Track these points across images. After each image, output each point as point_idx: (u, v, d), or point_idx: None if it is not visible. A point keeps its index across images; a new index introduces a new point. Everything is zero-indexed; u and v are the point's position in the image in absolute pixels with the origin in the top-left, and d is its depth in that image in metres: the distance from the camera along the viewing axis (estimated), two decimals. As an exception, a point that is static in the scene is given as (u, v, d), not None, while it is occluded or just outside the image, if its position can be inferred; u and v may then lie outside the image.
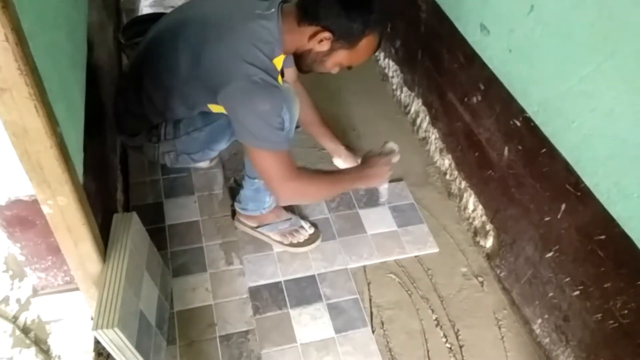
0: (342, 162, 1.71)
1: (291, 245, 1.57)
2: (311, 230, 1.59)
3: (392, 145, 1.46)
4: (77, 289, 1.10)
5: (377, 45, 1.23)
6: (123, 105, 1.40)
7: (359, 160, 1.54)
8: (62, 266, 1.08)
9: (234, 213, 1.63)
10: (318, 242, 1.60)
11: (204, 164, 1.73)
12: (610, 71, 1.05)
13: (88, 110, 1.14)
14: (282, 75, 1.33)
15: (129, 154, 1.77)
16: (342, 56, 1.21)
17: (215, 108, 1.26)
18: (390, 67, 2.22)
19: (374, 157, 1.41)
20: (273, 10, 1.17)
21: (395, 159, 1.44)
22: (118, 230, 1.12)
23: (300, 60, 1.25)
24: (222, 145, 1.42)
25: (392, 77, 2.22)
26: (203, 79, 1.18)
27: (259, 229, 1.58)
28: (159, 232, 1.56)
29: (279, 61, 1.21)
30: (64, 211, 0.89)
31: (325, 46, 1.18)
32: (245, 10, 1.18)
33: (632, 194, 1.03)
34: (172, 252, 1.52)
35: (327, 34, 1.15)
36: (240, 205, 1.55)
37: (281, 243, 1.57)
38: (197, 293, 1.43)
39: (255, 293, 1.47)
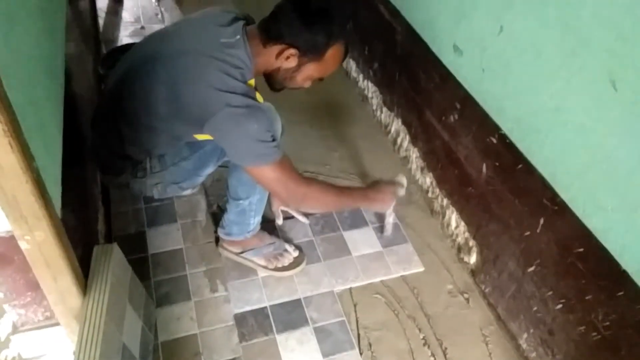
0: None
1: (276, 269, 1.56)
2: (295, 254, 1.59)
3: (402, 178, 1.51)
4: (58, 324, 1.08)
5: (345, 53, 1.25)
6: (103, 147, 1.38)
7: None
8: (41, 302, 1.06)
9: (217, 240, 1.62)
10: (303, 265, 1.59)
11: (188, 191, 1.72)
12: (579, 86, 1.08)
13: (67, 143, 1.14)
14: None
15: (111, 184, 1.76)
16: (311, 69, 1.22)
17: (202, 137, 1.26)
18: (370, 88, 2.26)
19: (383, 183, 1.46)
20: (238, 37, 1.17)
21: (402, 191, 1.49)
22: (98, 262, 1.10)
23: (270, 79, 1.27)
24: (210, 169, 1.43)
25: (372, 98, 2.25)
26: (185, 116, 1.18)
27: (242, 254, 1.57)
28: (142, 262, 1.54)
29: (251, 83, 1.22)
30: (42, 246, 0.88)
31: (292, 62, 1.20)
32: (209, 41, 1.18)
33: (607, 206, 1.06)
34: (155, 281, 1.50)
35: (292, 50, 1.17)
36: (224, 231, 1.55)
37: (266, 267, 1.56)
38: (181, 322, 1.41)
39: (241, 320, 1.45)
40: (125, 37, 2.56)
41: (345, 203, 1.40)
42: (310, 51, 1.18)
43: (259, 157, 1.17)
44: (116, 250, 1.14)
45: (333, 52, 1.20)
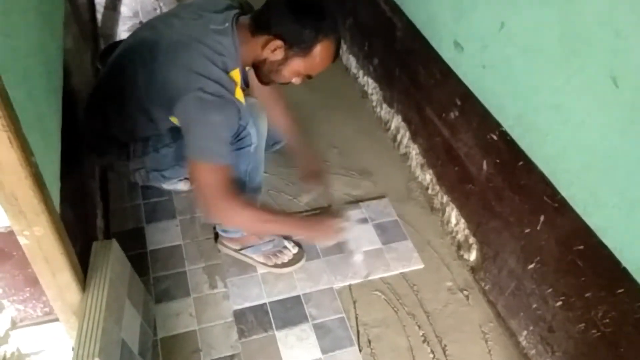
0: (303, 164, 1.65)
1: (275, 266, 1.56)
2: (295, 250, 1.59)
3: (351, 213, 1.45)
4: (56, 319, 1.08)
5: (335, 53, 1.21)
6: (92, 127, 1.40)
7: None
8: (40, 297, 1.06)
9: (217, 236, 1.62)
10: (302, 262, 1.59)
11: (184, 187, 1.72)
12: (580, 84, 1.08)
13: (65, 138, 1.14)
14: (247, 86, 1.32)
15: (109, 179, 1.76)
16: (297, 64, 1.20)
17: (173, 119, 1.25)
18: (370, 84, 2.25)
19: (328, 215, 1.39)
20: (227, 24, 1.17)
21: (348, 226, 1.38)
22: (97, 258, 1.10)
23: (258, 71, 1.25)
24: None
25: (372, 94, 2.24)
26: (159, 96, 1.18)
27: (242, 252, 1.57)
28: (140, 258, 1.54)
29: (235, 74, 1.20)
30: (41, 242, 0.88)
31: (279, 55, 1.17)
32: (200, 27, 1.18)
33: (607, 203, 1.05)
34: (154, 277, 1.50)
35: (279, 42, 1.15)
36: (222, 228, 1.55)
37: (265, 264, 1.56)
38: (180, 319, 1.41)
39: (240, 316, 1.45)
40: (123, 31, 2.55)
41: (275, 231, 1.35)
42: (297, 45, 1.16)
43: (204, 151, 1.14)
44: (115, 246, 1.13)
45: (322, 49, 1.18)
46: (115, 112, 1.31)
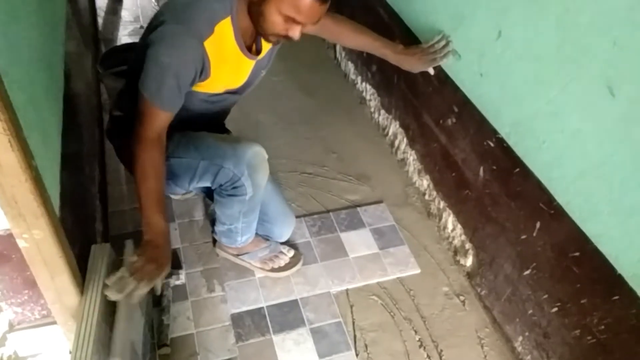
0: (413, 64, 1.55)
1: (272, 270, 1.56)
2: (291, 254, 1.60)
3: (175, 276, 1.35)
4: (54, 322, 1.09)
5: None
6: (117, 115, 1.40)
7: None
8: (38, 300, 1.06)
9: (214, 240, 1.62)
10: (299, 265, 1.60)
11: (175, 196, 1.72)
12: (576, 93, 1.09)
13: (65, 142, 1.14)
14: (259, 52, 1.30)
15: (109, 183, 1.77)
16: (278, 2, 1.08)
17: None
18: (368, 90, 2.26)
19: (163, 269, 1.11)
20: None
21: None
22: (96, 261, 1.11)
23: (253, 22, 1.18)
24: (184, 184, 1.39)
25: (370, 100, 2.26)
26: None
27: (240, 257, 1.58)
28: (139, 261, 1.54)
29: (225, 24, 1.16)
30: (40, 245, 0.88)
31: None
32: None
33: (602, 211, 1.06)
34: (152, 281, 1.50)
35: None
36: (217, 237, 1.56)
37: (262, 269, 1.57)
38: (178, 322, 1.42)
39: (237, 320, 1.46)
40: (124, 36, 2.56)
41: (141, 202, 1.16)
42: None
43: (145, 88, 1.14)
44: (109, 251, 1.14)
45: None
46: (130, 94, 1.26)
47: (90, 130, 1.69)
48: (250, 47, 1.28)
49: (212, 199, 1.47)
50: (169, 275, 1.47)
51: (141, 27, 2.63)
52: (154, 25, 1.16)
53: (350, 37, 1.55)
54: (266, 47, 1.32)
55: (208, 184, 1.36)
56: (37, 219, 0.84)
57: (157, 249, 1.12)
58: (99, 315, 1.01)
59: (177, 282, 1.47)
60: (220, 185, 1.34)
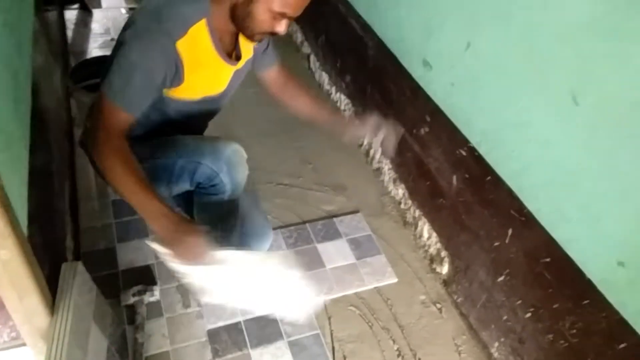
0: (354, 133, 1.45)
1: None
2: None
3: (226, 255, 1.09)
4: (24, 344, 1.05)
5: None
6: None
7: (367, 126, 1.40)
8: (7, 322, 1.03)
9: None
10: None
11: None
12: (543, 103, 1.12)
13: (33, 158, 1.12)
14: (238, 59, 1.28)
15: (80, 198, 1.73)
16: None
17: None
18: (342, 100, 2.28)
19: (199, 237, 1.04)
20: None
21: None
22: (66, 280, 1.08)
23: (236, 25, 1.15)
24: (162, 189, 1.34)
25: (345, 110, 2.27)
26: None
27: None
28: (112, 278, 1.51)
29: (200, 27, 1.13)
30: (7, 265, 0.86)
31: None
32: None
33: (571, 218, 1.09)
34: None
35: None
36: None
37: None
38: (153, 340, 1.39)
39: (214, 335, 1.44)
40: (94, 48, 2.52)
41: (130, 201, 1.08)
42: None
43: (110, 86, 1.08)
44: (80, 269, 1.11)
45: None
46: None
47: (60, 146, 1.66)
48: (230, 54, 1.26)
49: (191, 214, 1.44)
50: (144, 292, 1.45)
51: (112, 39, 2.60)
52: (125, 28, 1.14)
53: (304, 100, 1.50)
54: (246, 53, 1.30)
55: (187, 185, 1.33)
56: (4, 239, 0.82)
57: (177, 234, 1.03)
58: (70, 336, 0.99)
59: (152, 299, 1.45)
60: (199, 184, 1.31)
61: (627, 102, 0.92)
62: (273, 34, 1.14)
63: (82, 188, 1.78)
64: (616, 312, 1.01)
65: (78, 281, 1.11)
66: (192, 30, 1.12)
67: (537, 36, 1.10)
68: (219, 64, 1.23)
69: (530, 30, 1.12)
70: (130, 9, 2.89)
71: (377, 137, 1.38)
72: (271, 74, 1.46)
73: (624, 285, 1.00)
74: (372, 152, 2.07)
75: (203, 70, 1.20)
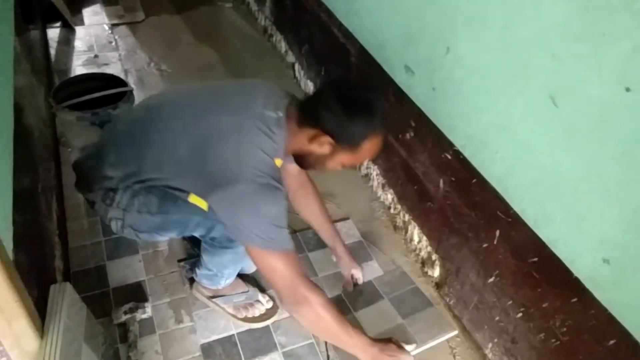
0: (341, 264, 1.61)
1: (245, 319, 1.50)
2: (269, 305, 1.54)
3: (410, 349, 1.35)
4: (14, 369, 1.05)
5: (380, 145, 1.17)
6: (91, 165, 1.29)
7: (357, 273, 1.57)
8: (-4, 347, 1.02)
9: (191, 281, 1.57)
10: (275, 318, 1.53)
11: (161, 239, 1.66)
12: (522, 105, 1.13)
13: (18, 179, 1.12)
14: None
15: (68, 218, 1.72)
16: (344, 158, 1.16)
17: (195, 200, 1.17)
18: (328, 108, 2.28)
19: (394, 346, 1.27)
20: (281, 114, 1.13)
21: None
22: (55, 302, 1.08)
23: (301, 160, 1.22)
24: (171, 235, 1.35)
25: (331, 118, 2.28)
26: (202, 173, 1.10)
27: (213, 299, 1.52)
28: (103, 297, 1.50)
29: (279, 161, 1.16)
30: (-6, 291, 0.85)
31: (326, 149, 1.13)
32: (252, 106, 1.13)
33: (556, 217, 1.10)
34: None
35: (328, 138, 1.10)
36: (197, 277, 1.51)
37: (234, 316, 1.51)
38: (146, 357, 1.38)
39: (207, 350, 1.43)
40: (78, 66, 2.52)
41: (340, 340, 1.22)
42: (347, 141, 1.12)
43: (268, 242, 1.08)
44: (69, 290, 1.11)
45: (369, 145, 1.13)
46: (126, 155, 1.21)
47: (46, 165, 1.65)
48: None
49: (192, 241, 1.43)
50: (135, 309, 1.44)
51: (95, 56, 2.60)
52: (214, 185, 1.08)
53: (313, 200, 1.55)
54: None
55: (200, 234, 1.32)
56: (-11, 265, 0.82)
57: (382, 355, 1.22)
58: (61, 358, 0.98)
59: (144, 316, 1.44)
60: (213, 239, 1.31)
61: (602, 103, 0.94)
62: None
63: (70, 207, 1.77)
64: (604, 309, 1.02)
65: (67, 302, 1.10)
66: (277, 162, 1.14)
67: (514, 39, 1.12)
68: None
69: (506, 33, 1.14)
70: (114, 24, 2.89)
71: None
72: (291, 169, 1.46)
73: (610, 283, 1.01)
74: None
75: None
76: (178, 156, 1.13)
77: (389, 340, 1.29)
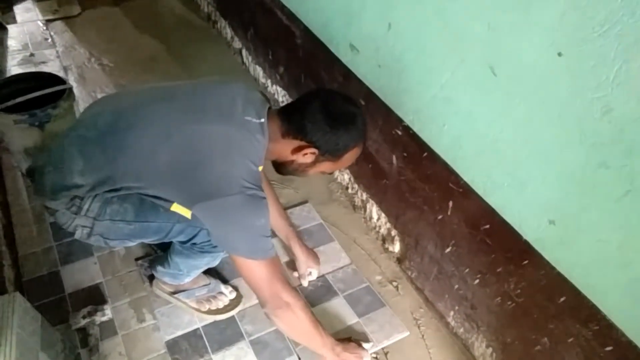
0: (298, 264, 1.63)
1: (209, 312, 1.49)
2: (232, 296, 1.53)
3: (368, 347, 1.44)
4: (-34, 387, 1.01)
5: (360, 153, 1.21)
6: (55, 167, 1.18)
7: (314, 272, 1.61)
8: (-56, 367, 0.98)
9: (151, 278, 1.53)
10: (239, 308, 1.52)
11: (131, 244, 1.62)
12: (463, 77, 1.15)
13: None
14: None
15: (15, 224, 1.65)
16: (325, 167, 1.19)
17: (178, 209, 1.14)
18: (279, 92, 2.26)
19: (353, 345, 1.39)
20: (263, 120, 1.11)
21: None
22: (4, 314, 1.04)
23: (281, 167, 1.22)
24: (149, 241, 1.33)
25: (282, 101, 2.26)
26: (187, 184, 1.07)
27: (175, 295, 1.50)
28: (59, 303, 1.46)
29: (260, 167, 1.15)
30: None
31: (309, 159, 1.15)
32: (234, 112, 1.10)
33: (503, 184, 1.13)
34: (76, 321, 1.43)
35: (312, 149, 1.12)
36: (157, 274, 1.47)
37: (198, 310, 1.49)
38: (109, 359, 1.36)
39: (173, 346, 1.42)
40: (14, 66, 2.40)
41: (313, 341, 1.28)
42: (331, 152, 1.14)
43: (253, 252, 1.09)
44: (19, 300, 1.07)
45: (351, 154, 1.17)
46: (97, 162, 1.13)
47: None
48: None
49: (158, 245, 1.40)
50: (94, 312, 1.41)
51: (31, 54, 2.48)
52: (199, 195, 1.06)
53: (273, 207, 1.57)
54: None
55: (177, 241, 1.30)
56: None
57: (340, 350, 1.32)
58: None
59: (104, 319, 1.41)
60: (194, 244, 1.29)
61: (536, 68, 0.96)
62: None
63: (16, 213, 1.70)
64: (553, 268, 1.06)
65: (18, 312, 1.07)
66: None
67: (449, 12, 1.13)
68: None
69: (442, 7, 1.14)
70: (48, 20, 2.76)
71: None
72: None
73: (556, 243, 1.04)
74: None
75: None
76: (159, 165, 1.08)
77: (349, 339, 1.43)
